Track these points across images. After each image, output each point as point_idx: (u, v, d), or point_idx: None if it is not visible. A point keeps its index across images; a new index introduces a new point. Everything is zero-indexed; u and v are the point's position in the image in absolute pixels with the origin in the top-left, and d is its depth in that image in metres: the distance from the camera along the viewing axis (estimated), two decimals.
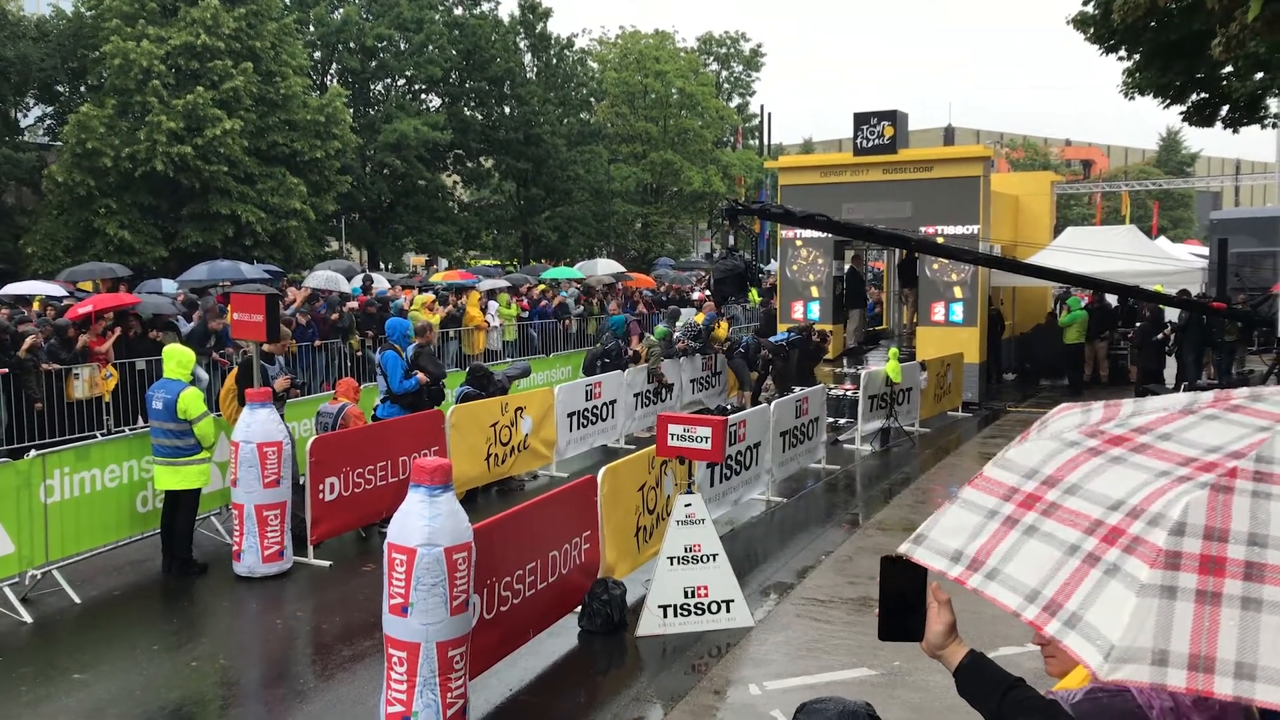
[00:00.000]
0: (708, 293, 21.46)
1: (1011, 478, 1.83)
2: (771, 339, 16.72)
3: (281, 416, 9.88)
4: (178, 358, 8.86)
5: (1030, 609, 1.62)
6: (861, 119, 18.02)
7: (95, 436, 12.10)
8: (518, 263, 44.13)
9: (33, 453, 8.25)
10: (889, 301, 21.96)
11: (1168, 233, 46.74)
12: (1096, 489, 1.68)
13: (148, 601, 8.38)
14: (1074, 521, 1.66)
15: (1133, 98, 18.88)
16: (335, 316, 16.86)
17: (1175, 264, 20.00)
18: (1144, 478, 1.64)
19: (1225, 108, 18.49)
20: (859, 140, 18.01)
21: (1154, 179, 57.11)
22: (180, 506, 8.79)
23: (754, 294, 23.03)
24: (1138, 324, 19.79)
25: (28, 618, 7.70)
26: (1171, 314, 18.55)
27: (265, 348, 9.77)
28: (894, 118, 17.83)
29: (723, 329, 17.37)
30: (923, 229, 17.48)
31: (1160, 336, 18.93)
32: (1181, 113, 19.11)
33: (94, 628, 7.73)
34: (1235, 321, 16.39)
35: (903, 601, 2.11)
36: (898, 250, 19.95)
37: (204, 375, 13.48)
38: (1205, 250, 24.92)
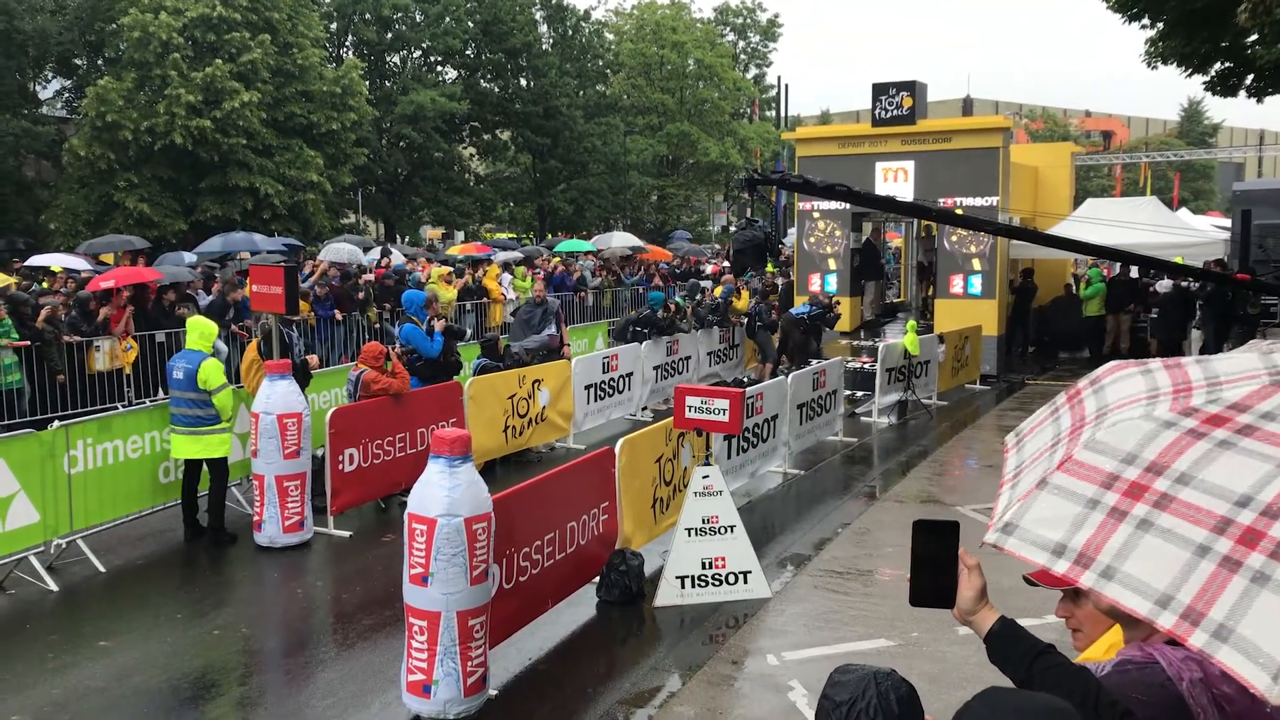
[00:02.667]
0: (724, 264, 21.40)
1: (1108, 462, 1.70)
2: (791, 311, 16.61)
3: (303, 390, 9.96)
4: (200, 329, 8.90)
5: (1165, 616, 1.52)
6: (880, 89, 17.85)
7: (117, 408, 12.20)
8: (534, 235, 44.11)
9: (56, 424, 8.34)
10: (905, 275, 21.86)
11: (1189, 204, 46.21)
12: (1213, 480, 1.59)
13: (170, 571, 8.47)
14: (1196, 518, 1.57)
15: (1155, 67, 18.63)
16: (360, 296, 16.97)
17: (1197, 236, 19.79)
18: (1266, 469, 1.55)
19: (1250, 76, 18.20)
20: (877, 111, 17.85)
21: (1175, 150, 56.48)
22: (212, 475, 8.88)
23: (770, 266, 22.84)
24: (1153, 290, 19.68)
25: (54, 586, 7.81)
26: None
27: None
28: (913, 88, 17.66)
29: (743, 300, 17.30)
30: (941, 200, 17.36)
31: (1161, 293, 18.80)
32: (1204, 82, 18.85)
33: (118, 596, 7.83)
34: (1260, 293, 16.23)
35: (934, 566, 2.11)
36: (916, 222, 19.88)
37: (223, 348, 13.54)
38: (1228, 222, 24.64)
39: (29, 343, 12.58)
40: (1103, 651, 2.14)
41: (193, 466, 8.87)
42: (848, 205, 17.84)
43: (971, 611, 2.08)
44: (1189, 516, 1.57)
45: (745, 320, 17.02)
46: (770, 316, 16.69)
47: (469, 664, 5.61)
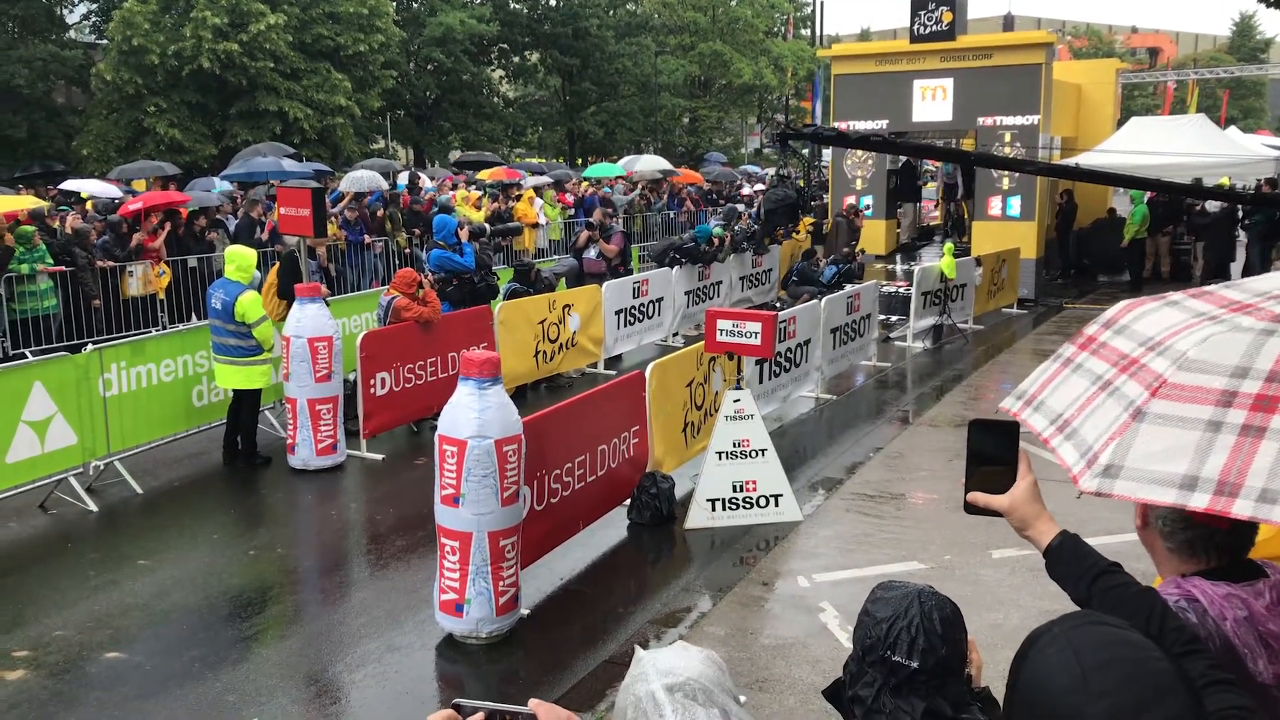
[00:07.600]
0: (752, 189, 20.99)
1: (1215, 380, 1.56)
2: (822, 277, 15.63)
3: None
4: (238, 260, 8.82)
5: None
6: (919, 4, 17.30)
7: (151, 333, 12.28)
8: (563, 160, 43.62)
9: (90, 347, 8.39)
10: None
11: (1237, 123, 44.85)
12: None
13: (206, 493, 8.58)
14: None
15: None
16: (381, 214, 16.85)
17: (1246, 155, 19.20)
18: None
19: None
20: (916, 26, 17.33)
21: (1225, 66, 54.64)
22: (243, 406, 8.92)
23: (806, 222, 22.28)
24: (1200, 209, 19.19)
25: (93, 506, 7.93)
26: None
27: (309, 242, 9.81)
28: (953, 2, 17.09)
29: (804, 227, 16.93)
30: (981, 119, 16.93)
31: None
32: None
33: (156, 517, 7.94)
34: None
35: (992, 470, 2.00)
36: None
37: (255, 273, 13.53)
38: (1278, 140, 23.91)
39: (64, 268, 12.66)
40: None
41: (239, 393, 8.91)
42: (884, 123, 17.46)
43: (1033, 516, 1.95)
44: None
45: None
46: (804, 267, 15.80)
47: (501, 583, 5.63)
